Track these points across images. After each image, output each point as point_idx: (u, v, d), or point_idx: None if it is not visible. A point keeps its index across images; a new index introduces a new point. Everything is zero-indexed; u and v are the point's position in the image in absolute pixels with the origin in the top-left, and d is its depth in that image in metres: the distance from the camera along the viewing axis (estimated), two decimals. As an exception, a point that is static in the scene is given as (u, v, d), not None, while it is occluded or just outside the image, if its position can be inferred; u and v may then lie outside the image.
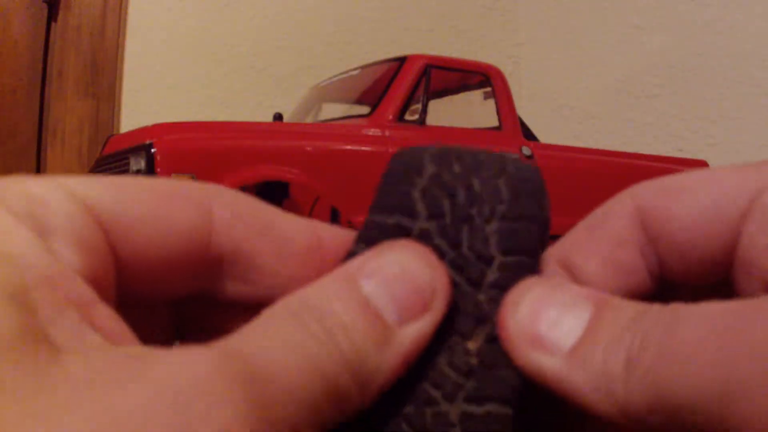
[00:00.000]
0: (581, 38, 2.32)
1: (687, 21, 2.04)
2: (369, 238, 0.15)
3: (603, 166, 1.72)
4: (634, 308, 0.13)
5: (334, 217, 1.44)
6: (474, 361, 0.14)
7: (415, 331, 0.14)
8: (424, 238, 0.14)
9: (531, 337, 0.13)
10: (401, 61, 1.55)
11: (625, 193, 0.15)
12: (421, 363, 0.14)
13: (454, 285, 0.14)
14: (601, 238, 0.15)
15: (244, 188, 1.34)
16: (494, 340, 0.14)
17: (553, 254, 0.15)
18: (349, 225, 1.43)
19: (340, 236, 0.15)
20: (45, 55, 1.78)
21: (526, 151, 1.59)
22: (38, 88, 1.78)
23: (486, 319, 0.14)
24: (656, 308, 0.12)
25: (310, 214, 1.48)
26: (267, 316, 0.13)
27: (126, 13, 1.88)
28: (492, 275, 0.14)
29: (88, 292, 0.12)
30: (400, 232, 0.14)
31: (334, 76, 1.76)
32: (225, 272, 0.15)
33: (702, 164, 1.89)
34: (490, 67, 1.64)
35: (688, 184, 0.14)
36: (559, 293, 0.14)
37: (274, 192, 1.36)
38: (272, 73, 2.05)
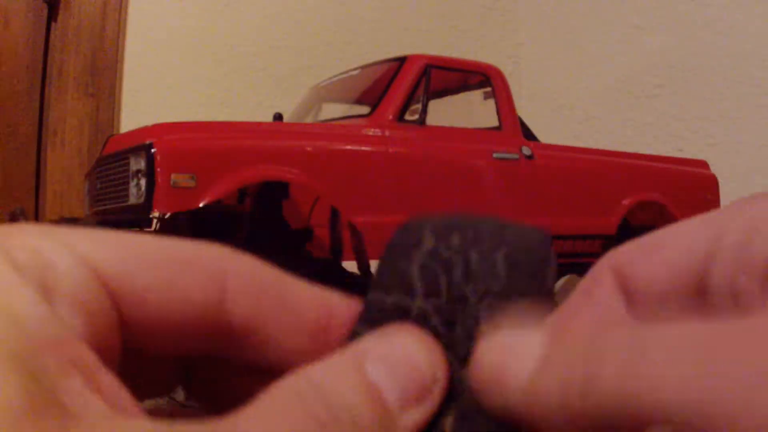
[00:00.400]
0: (581, 38, 2.32)
1: (687, 21, 2.04)
2: (371, 319, 0.15)
3: (603, 166, 1.72)
4: (589, 331, 0.13)
5: (334, 217, 1.44)
6: None
7: (415, 417, 0.14)
8: (421, 318, 0.15)
9: (495, 376, 0.14)
10: (401, 61, 1.55)
11: (605, 257, 0.16)
12: None
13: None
14: (593, 304, 0.15)
15: (244, 188, 1.34)
16: (464, 417, 0.14)
17: (551, 322, 0.16)
18: (350, 225, 1.43)
19: (349, 307, 0.16)
20: (45, 55, 1.78)
21: (526, 151, 1.59)
22: (38, 88, 1.78)
23: (459, 394, 0.14)
24: (614, 328, 0.13)
25: (310, 214, 1.48)
26: (271, 396, 0.13)
27: (126, 13, 1.88)
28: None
29: (92, 358, 0.12)
30: (399, 313, 0.15)
31: (334, 76, 1.76)
32: (234, 340, 0.15)
33: (702, 164, 1.89)
34: (490, 67, 1.64)
35: (656, 242, 0.15)
36: (517, 331, 0.14)
37: (274, 192, 1.36)
38: (272, 73, 2.05)
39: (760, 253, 0.13)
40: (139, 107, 1.88)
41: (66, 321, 0.12)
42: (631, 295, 0.15)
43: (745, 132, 1.92)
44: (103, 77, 1.83)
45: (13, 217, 1.24)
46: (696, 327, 0.12)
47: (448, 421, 0.14)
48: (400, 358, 0.14)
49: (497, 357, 0.14)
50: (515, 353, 0.14)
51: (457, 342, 0.15)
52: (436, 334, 0.15)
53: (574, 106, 2.32)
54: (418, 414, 0.14)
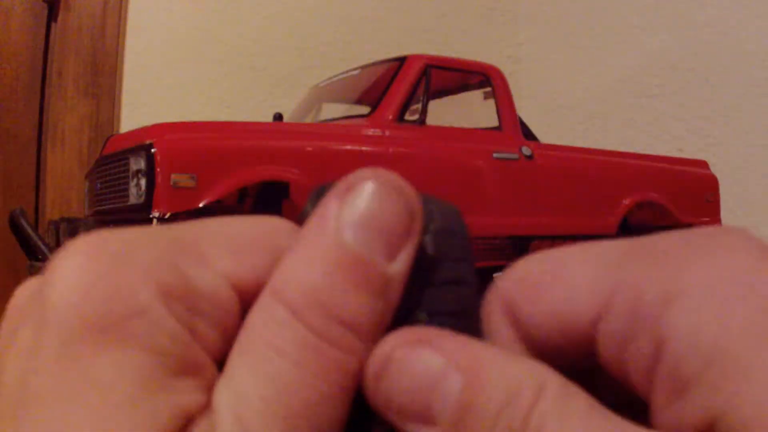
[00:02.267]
0: (581, 38, 2.32)
1: (687, 21, 2.04)
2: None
3: (603, 166, 1.72)
4: (506, 387, 0.12)
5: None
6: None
7: (404, 258, 0.13)
8: None
9: (404, 407, 0.13)
10: (401, 61, 1.55)
11: (493, 288, 0.15)
12: None
13: None
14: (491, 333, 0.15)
15: (244, 188, 1.34)
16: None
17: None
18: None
19: None
20: (45, 55, 1.78)
21: (526, 151, 1.59)
22: (38, 88, 1.78)
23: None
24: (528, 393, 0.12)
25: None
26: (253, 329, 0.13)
27: (126, 13, 1.88)
28: None
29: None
30: None
31: (334, 76, 1.76)
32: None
33: (702, 164, 1.89)
34: (490, 67, 1.64)
35: (544, 278, 0.14)
36: (426, 354, 0.13)
37: (274, 192, 1.36)
38: (272, 73, 2.05)
39: (645, 341, 0.12)
40: (139, 107, 1.88)
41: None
42: (522, 333, 0.14)
43: (745, 132, 1.92)
44: (103, 77, 1.83)
45: (13, 218, 1.24)
46: None
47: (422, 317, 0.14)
48: (372, 212, 0.13)
49: (404, 386, 0.13)
50: (434, 390, 0.12)
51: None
52: None
53: (574, 106, 2.32)
54: (406, 254, 0.13)
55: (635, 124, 2.18)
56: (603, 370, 0.13)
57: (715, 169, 1.87)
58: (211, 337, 0.13)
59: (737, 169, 1.91)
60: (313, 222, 0.13)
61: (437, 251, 0.14)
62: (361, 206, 0.13)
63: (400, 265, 0.13)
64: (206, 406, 0.12)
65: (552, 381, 0.12)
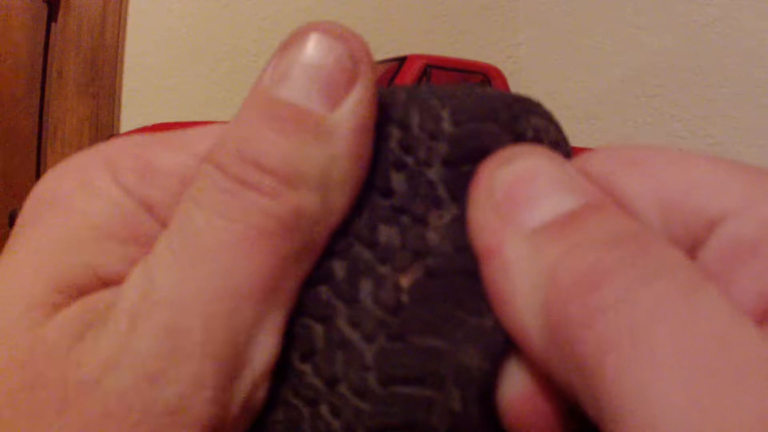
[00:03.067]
0: (581, 38, 2.32)
1: (687, 21, 2.04)
2: None
3: (603, 166, 1.71)
4: (615, 228, 0.10)
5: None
6: (405, 298, 0.12)
7: (352, 103, 0.12)
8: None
9: (499, 203, 0.11)
10: (401, 61, 1.55)
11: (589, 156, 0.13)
12: (340, 294, 0.12)
13: (393, 218, 0.13)
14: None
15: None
16: (433, 274, 0.12)
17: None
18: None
19: None
20: (45, 55, 1.78)
21: (526, 151, 1.59)
22: (38, 88, 1.78)
23: (428, 252, 0.12)
24: (636, 249, 0.10)
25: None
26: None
27: (126, 13, 1.88)
28: (446, 216, 0.13)
29: None
30: None
31: (334, 76, 1.76)
32: None
33: (702, 164, 1.88)
34: (490, 67, 1.64)
35: (661, 161, 0.12)
36: (554, 168, 0.12)
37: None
38: (272, 73, 2.05)
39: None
40: (139, 107, 1.88)
41: None
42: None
43: (745, 132, 1.92)
44: (103, 77, 1.83)
45: (13, 218, 1.24)
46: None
47: (407, 281, 0.12)
48: (306, 60, 0.12)
49: (511, 187, 0.11)
50: (533, 199, 0.11)
51: (411, 203, 0.13)
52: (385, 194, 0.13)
53: (574, 106, 2.32)
54: (354, 100, 0.12)
55: (635, 124, 2.18)
56: None
57: (715, 169, 1.87)
58: (168, 202, 0.13)
59: (737, 169, 1.91)
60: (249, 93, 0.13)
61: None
62: (296, 56, 0.13)
63: (345, 110, 0.12)
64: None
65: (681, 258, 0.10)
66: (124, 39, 1.88)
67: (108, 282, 0.12)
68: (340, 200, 0.12)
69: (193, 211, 0.12)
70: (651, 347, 0.09)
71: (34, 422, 0.11)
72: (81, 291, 0.12)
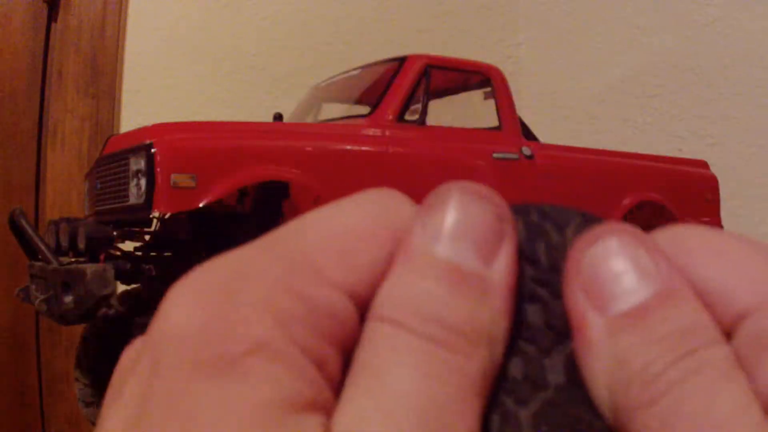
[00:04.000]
0: (581, 38, 2.32)
1: (687, 21, 2.04)
2: None
3: (603, 166, 1.72)
4: (679, 323, 0.12)
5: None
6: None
7: (502, 261, 0.13)
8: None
9: (585, 284, 0.13)
10: (401, 61, 1.55)
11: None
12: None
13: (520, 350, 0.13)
14: None
15: (244, 188, 1.34)
16: (552, 404, 0.13)
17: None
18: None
19: None
20: (45, 55, 1.78)
21: (526, 151, 1.59)
22: (38, 88, 1.78)
23: (547, 385, 0.13)
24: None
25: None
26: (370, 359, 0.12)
27: (126, 13, 1.88)
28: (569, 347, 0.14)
29: None
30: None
31: (334, 76, 1.76)
32: None
33: (702, 164, 1.89)
34: (490, 67, 1.64)
35: (704, 247, 0.13)
36: (634, 250, 0.13)
37: (274, 192, 1.36)
38: (272, 73, 2.05)
39: None
40: (139, 107, 1.88)
41: None
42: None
43: (745, 132, 1.92)
44: (103, 77, 1.83)
45: (13, 217, 1.24)
46: None
47: (523, 414, 0.13)
48: (457, 221, 0.13)
49: (596, 267, 0.13)
50: (617, 278, 0.12)
51: (540, 333, 0.13)
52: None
53: (574, 106, 2.32)
54: (504, 256, 0.13)
55: (635, 124, 2.18)
56: None
57: (715, 169, 1.87)
58: (334, 358, 0.12)
59: (737, 169, 1.91)
60: (399, 249, 0.13)
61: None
62: (445, 216, 0.13)
63: (499, 267, 0.13)
64: None
65: (725, 349, 0.12)
66: (124, 39, 1.88)
67: None
68: (500, 356, 0.13)
69: (391, 372, 0.11)
70: None
71: None
72: None
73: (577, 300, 0.13)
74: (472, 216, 0.13)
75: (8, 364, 1.68)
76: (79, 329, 1.49)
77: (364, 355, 0.12)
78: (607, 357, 0.12)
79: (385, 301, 0.12)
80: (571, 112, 2.33)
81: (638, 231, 0.13)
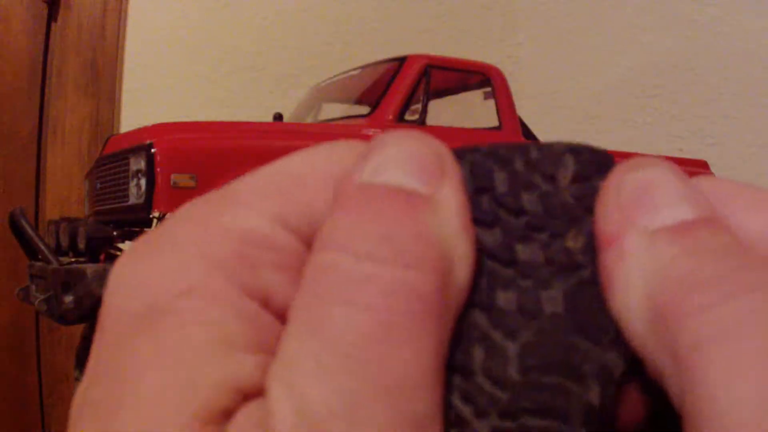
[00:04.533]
0: (581, 38, 2.32)
1: (687, 21, 2.04)
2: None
3: (603, 166, 1.71)
4: (725, 242, 0.12)
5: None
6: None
7: (450, 188, 0.12)
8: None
9: (625, 204, 0.13)
10: (401, 61, 1.55)
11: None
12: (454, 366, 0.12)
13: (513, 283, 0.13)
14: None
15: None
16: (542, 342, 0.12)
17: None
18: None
19: None
20: (45, 55, 1.78)
21: (526, 151, 1.59)
22: (38, 88, 1.78)
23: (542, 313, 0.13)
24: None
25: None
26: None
27: (126, 13, 1.88)
28: (572, 279, 0.13)
29: None
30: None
31: (334, 76, 1.76)
32: None
33: (702, 164, 1.89)
34: (490, 67, 1.64)
35: (729, 192, 0.14)
36: (677, 180, 0.13)
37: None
38: (272, 73, 2.05)
39: None
40: (139, 107, 1.88)
41: None
42: None
43: (745, 132, 1.92)
44: (103, 77, 1.83)
45: (13, 217, 1.24)
46: None
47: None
48: (394, 154, 0.12)
49: (634, 192, 0.13)
50: (654, 206, 0.12)
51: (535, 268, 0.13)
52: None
53: (574, 106, 2.32)
54: (451, 184, 0.12)
55: (635, 124, 2.18)
56: None
57: (715, 169, 1.87)
58: (284, 288, 0.12)
59: (737, 169, 1.91)
60: (339, 187, 0.12)
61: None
62: (384, 153, 0.13)
63: (446, 192, 0.12)
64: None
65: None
66: (124, 39, 1.88)
67: (247, 395, 0.11)
68: (464, 276, 0.12)
69: (325, 310, 0.11)
70: (738, 347, 0.10)
71: None
72: (226, 414, 0.11)
73: (613, 215, 0.13)
74: (410, 149, 0.13)
75: (8, 364, 1.68)
76: (79, 329, 1.48)
77: (303, 289, 0.11)
78: (645, 267, 0.12)
79: (325, 233, 0.12)
80: (571, 112, 2.33)
81: (679, 168, 0.13)
